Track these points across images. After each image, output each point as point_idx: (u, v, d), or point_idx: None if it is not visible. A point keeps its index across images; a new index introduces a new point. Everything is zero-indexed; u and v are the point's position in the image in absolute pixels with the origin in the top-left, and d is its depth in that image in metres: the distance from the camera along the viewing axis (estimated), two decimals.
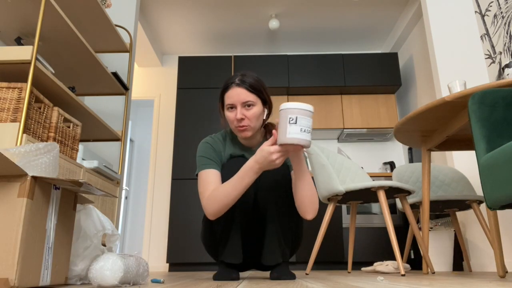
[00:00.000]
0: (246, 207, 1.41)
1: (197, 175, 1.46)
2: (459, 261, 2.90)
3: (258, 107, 1.42)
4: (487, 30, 2.99)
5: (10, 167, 0.92)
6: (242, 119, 1.39)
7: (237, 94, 1.39)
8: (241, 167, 1.39)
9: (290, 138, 1.12)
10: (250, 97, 1.40)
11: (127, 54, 3.03)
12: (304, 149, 1.25)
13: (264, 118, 1.48)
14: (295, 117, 1.13)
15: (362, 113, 4.23)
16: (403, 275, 1.81)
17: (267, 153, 1.20)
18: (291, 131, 1.12)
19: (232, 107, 1.41)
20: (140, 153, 5.50)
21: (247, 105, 1.40)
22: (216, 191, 1.33)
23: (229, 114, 1.43)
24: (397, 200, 2.84)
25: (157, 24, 4.29)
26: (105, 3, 2.84)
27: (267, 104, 1.47)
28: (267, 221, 1.40)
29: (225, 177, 1.41)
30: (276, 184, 1.40)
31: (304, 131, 1.13)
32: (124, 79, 2.90)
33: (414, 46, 4.17)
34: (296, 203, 1.40)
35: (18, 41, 1.97)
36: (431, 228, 2.99)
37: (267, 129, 1.55)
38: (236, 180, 1.29)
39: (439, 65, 3.05)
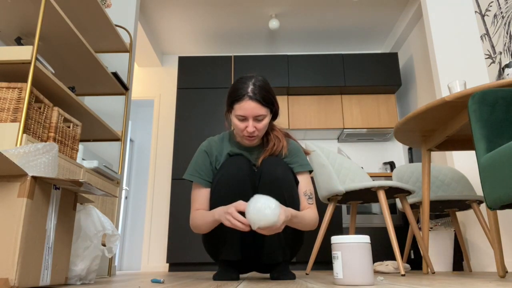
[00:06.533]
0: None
1: (184, 179, 1.55)
2: (459, 261, 2.90)
3: (268, 118, 1.44)
4: (487, 30, 2.99)
5: (10, 167, 0.92)
6: (253, 131, 1.41)
7: (250, 108, 1.37)
8: (238, 165, 1.40)
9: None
10: (263, 111, 1.40)
11: (127, 54, 3.03)
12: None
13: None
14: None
15: (362, 113, 4.22)
16: (403, 275, 1.80)
17: (224, 213, 1.28)
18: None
19: (244, 118, 1.41)
20: (140, 153, 5.50)
21: (258, 118, 1.41)
22: (196, 216, 1.45)
23: (238, 124, 1.42)
24: (397, 200, 2.84)
25: (157, 24, 4.29)
26: (105, 3, 2.85)
27: (273, 111, 1.49)
28: None
29: (221, 179, 1.43)
30: (277, 183, 1.40)
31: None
32: (124, 79, 2.90)
33: (414, 46, 4.17)
34: None
35: (18, 41, 1.97)
36: (431, 228, 2.99)
37: None
38: (207, 217, 1.40)
39: (439, 65, 3.05)
